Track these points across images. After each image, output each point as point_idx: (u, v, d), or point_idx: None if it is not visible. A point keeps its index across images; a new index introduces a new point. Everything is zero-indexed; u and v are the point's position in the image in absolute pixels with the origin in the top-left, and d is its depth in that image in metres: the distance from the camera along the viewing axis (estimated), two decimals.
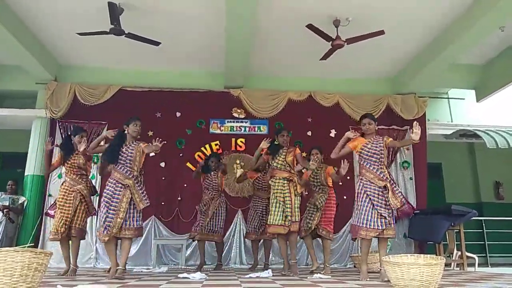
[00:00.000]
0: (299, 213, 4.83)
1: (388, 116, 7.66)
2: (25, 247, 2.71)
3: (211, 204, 5.83)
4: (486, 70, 7.63)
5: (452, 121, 8.25)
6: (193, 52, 7.01)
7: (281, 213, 4.73)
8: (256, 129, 7.55)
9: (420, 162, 7.58)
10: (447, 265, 6.25)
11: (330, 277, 4.40)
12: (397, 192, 4.17)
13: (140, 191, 4.27)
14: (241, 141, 7.42)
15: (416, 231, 6.92)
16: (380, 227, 4.04)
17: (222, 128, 7.49)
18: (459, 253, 6.45)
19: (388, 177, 4.19)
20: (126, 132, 4.46)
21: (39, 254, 2.63)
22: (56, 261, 6.15)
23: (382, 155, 4.24)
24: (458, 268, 6.48)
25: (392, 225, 4.14)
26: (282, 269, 5.05)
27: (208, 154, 6.97)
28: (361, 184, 4.23)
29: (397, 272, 2.93)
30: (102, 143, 4.63)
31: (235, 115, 7.54)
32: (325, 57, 6.25)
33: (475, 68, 7.70)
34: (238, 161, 7.30)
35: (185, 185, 7.02)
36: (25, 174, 6.97)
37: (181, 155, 7.22)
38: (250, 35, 5.96)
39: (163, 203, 6.95)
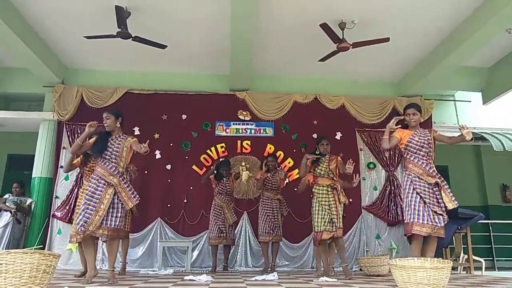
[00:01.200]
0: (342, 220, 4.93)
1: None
2: (33, 249, 2.74)
3: (227, 210, 6.03)
4: (493, 73, 7.60)
5: (458, 124, 8.20)
6: (199, 55, 7.04)
7: (328, 219, 4.79)
8: (261, 131, 7.56)
9: None
10: (453, 268, 6.21)
11: (336, 280, 4.39)
12: (448, 190, 3.86)
13: (128, 189, 4.00)
14: (246, 143, 7.43)
15: None
16: (438, 223, 3.74)
17: (227, 130, 7.51)
18: (466, 256, 6.41)
19: (437, 172, 3.88)
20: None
21: (47, 256, 2.66)
22: (63, 262, 6.18)
23: (431, 149, 3.95)
24: (465, 272, 6.44)
25: (443, 225, 3.83)
26: (315, 271, 5.09)
27: (215, 159, 7.04)
28: (409, 179, 3.90)
29: (404, 275, 2.92)
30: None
31: (241, 117, 7.55)
32: (325, 59, 6.21)
33: (482, 70, 7.67)
34: (243, 163, 7.31)
35: (191, 187, 7.04)
36: (33, 176, 7.02)
37: (187, 157, 7.24)
38: (255, 38, 5.99)
39: (169, 206, 6.97)
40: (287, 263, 6.88)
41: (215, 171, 6.20)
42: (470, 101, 8.25)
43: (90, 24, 5.95)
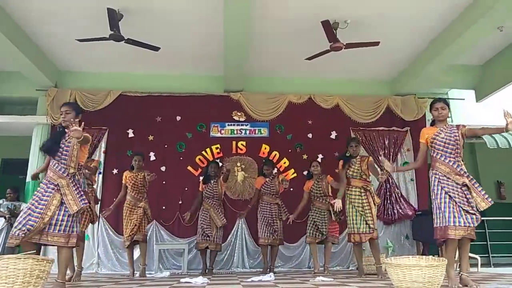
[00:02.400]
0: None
1: (388, 118, 7.68)
2: (27, 254, 2.72)
3: (214, 213, 5.97)
4: (485, 70, 7.64)
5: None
6: (193, 57, 7.03)
7: (362, 221, 4.81)
8: (256, 132, 7.56)
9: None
10: None
11: (332, 279, 4.40)
12: (479, 189, 3.63)
13: (76, 192, 3.59)
14: (241, 144, 7.43)
15: (419, 233, 6.92)
16: (471, 224, 3.49)
17: (222, 131, 7.50)
18: None
19: (466, 171, 3.67)
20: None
21: (41, 261, 2.64)
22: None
23: (459, 146, 3.71)
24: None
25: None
26: (357, 273, 5.09)
27: (211, 160, 7.00)
28: (436, 178, 3.67)
29: (399, 274, 2.92)
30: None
31: (236, 118, 7.55)
32: (312, 57, 6.18)
33: (474, 68, 7.72)
34: (239, 164, 7.31)
35: (186, 188, 7.03)
36: (27, 180, 6.98)
37: (181, 158, 7.23)
38: (249, 38, 5.98)
39: (164, 208, 6.95)
40: (283, 263, 6.87)
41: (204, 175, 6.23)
42: (464, 99, 8.29)
43: (83, 27, 5.92)
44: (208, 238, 5.92)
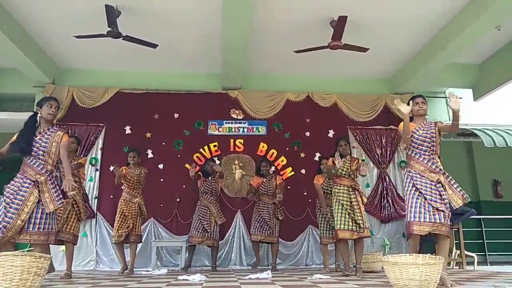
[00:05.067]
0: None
1: (386, 116, 7.69)
2: (24, 251, 2.72)
3: (214, 210, 6.02)
4: (483, 69, 7.66)
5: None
6: (191, 54, 7.02)
7: (349, 219, 4.81)
8: (254, 130, 7.56)
9: None
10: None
11: (329, 277, 4.41)
12: (455, 186, 3.59)
13: (53, 190, 3.54)
14: (239, 142, 7.43)
15: None
16: (438, 220, 3.43)
17: (220, 129, 7.50)
18: (458, 252, 6.47)
19: (442, 168, 3.63)
20: (39, 115, 3.73)
21: (38, 258, 2.64)
22: (56, 264, 6.13)
23: (434, 143, 3.64)
24: (458, 267, 6.50)
25: (448, 222, 3.51)
26: (343, 269, 5.05)
27: (208, 158, 7.03)
28: (409, 176, 3.65)
29: (396, 272, 2.93)
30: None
31: (234, 116, 7.55)
32: (302, 51, 6.09)
33: (472, 67, 7.73)
34: (236, 162, 7.31)
35: (184, 186, 7.02)
36: None
37: (179, 156, 7.22)
38: (247, 36, 5.97)
39: (161, 205, 6.95)
40: (280, 261, 6.88)
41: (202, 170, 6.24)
42: (461, 98, 8.23)
43: (80, 24, 5.90)
44: (206, 234, 5.93)
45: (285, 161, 7.35)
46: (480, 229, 8.39)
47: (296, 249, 6.98)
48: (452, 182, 3.60)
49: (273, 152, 7.37)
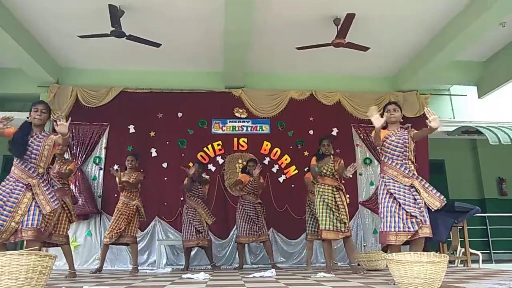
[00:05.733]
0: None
1: None
2: (29, 250, 2.73)
3: (202, 210, 6.05)
4: (488, 66, 7.61)
5: (454, 118, 8.23)
6: (194, 53, 7.02)
7: (334, 219, 4.80)
8: (258, 128, 7.55)
9: (422, 160, 7.52)
10: (451, 262, 6.25)
11: (333, 275, 4.40)
12: (430, 188, 3.61)
13: (47, 192, 3.57)
14: (243, 141, 7.43)
15: None
16: (412, 229, 3.43)
17: (224, 128, 7.50)
18: (463, 250, 6.45)
19: (415, 173, 3.65)
20: (29, 120, 3.77)
21: (43, 257, 2.65)
22: (60, 263, 6.17)
23: (407, 148, 3.67)
24: (462, 265, 6.48)
25: (425, 223, 3.49)
26: (324, 269, 5.03)
27: (212, 157, 7.16)
28: (383, 183, 3.67)
29: (401, 270, 2.92)
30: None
31: (237, 115, 7.55)
32: (304, 48, 6.07)
33: (477, 64, 7.68)
34: (240, 161, 7.31)
35: None
36: None
37: (183, 155, 7.23)
38: (250, 34, 5.97)
39: (165, 204, 6.97)
40: (284, 259, 6.89)
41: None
42: (466, 95, 8.27)
43: (84, 23, 5.92)
44: (199, 235, 5.94)
45: (288, 160, 7.35)
46: (485, 227, 8.35)
47: (300, 248, 6.98)
48: (426, 186, 3.62)
49: (276, 151, 7.37)
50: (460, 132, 8.20)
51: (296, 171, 7.28)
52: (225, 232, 6.87)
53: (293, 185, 6.92)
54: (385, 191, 3.61)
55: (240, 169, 7.22)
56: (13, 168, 3.61)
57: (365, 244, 7.07)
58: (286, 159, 7.36)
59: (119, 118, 7.26)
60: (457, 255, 6.53)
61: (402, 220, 3.45)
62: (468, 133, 8.20)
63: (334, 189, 4.93)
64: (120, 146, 7.11)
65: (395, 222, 3.46)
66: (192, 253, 6.65)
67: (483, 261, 6.84)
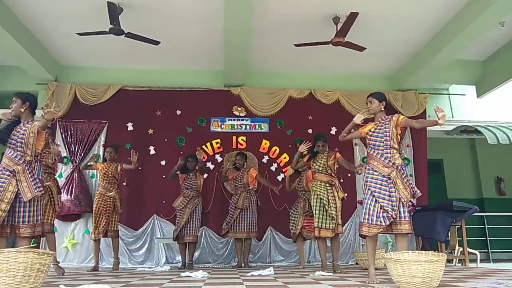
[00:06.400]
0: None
1: (388, 113, 7.60)
2: (27, 247, 2.72)
3: (188, 203, 6.01)
4: (487, 66, 7.62)
5: (452, 117, 8.23)
6: (193, 51, 7.01)
7: (327, 216, 4.82)
8: (257, 127, 7.55)
9: (420, 159, 7.57)
10: (449, 261, 6.26)
11: (331, 274, 4.41)
12: (406, 180, 3.62)
13: (31, 179, 3.59)
14: (242, 139, 7.42)
15: (418, 228, 6.92)
16: (384, 223, 3.52)
17: (223, 126, 7.50)
18: (461, 249, 6.46)
19: (396, 162, 3.64)
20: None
21: (41, 254, 2.65)
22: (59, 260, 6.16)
23: (388, 137, 3.70)
24: (460, 264, 6.49)
25: (404, 218, 3.54)
26: (320, 268, 5.03)
27: (211, 155, 7.15)
28: (365, 175, 3.75)
29: (399, 269, 2.93)
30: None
31: (236, 113, 7.54)
32: (302, 45, 6.07)
33: (476, 64, 7.69)
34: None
35: None
36: None
37: (181, 152, 7.20)
38: (249, 32, 5.96)
39: (164, 202, 6.95)
40: (283, 258, 6.89)
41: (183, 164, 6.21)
42: (464, 95, 8.28)
43: (83, 21, 5.89)
44: (190, 232, 5.94)
45: (287, 158, 7.34)
46: (483, 226, 8.37)
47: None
48: (403, 176, 3.64)
49: (275, 149, 7.37)
50: (459, 132, 8.21)
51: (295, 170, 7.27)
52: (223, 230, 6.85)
53: (291, 184, 6.91)
54: (366, 185, 3.70)
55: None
56: (3, 158, 3.68)
57: (363, 243, 7.06)
58: (284, 158, 7.35)
59: (117, 116, 7.24)
60: (455, 254, 6.54)
61: (376, 213, 3.56)
62: (467, 132, 8.22)
63: (328, 185, 4.94)
64: (119, 143, 7.08)
65: (369, 215, 3.59)
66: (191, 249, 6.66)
67: (481, 261, 6.86)
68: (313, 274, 4.39)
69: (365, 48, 6.06)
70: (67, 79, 7.39)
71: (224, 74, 7.36)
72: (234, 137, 7.42)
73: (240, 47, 6.26)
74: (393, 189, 3.58)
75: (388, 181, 3.61)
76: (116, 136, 7.16)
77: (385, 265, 3.56)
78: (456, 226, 6.48)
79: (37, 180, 3.64)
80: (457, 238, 6.58)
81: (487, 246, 8.15)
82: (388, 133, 3.73)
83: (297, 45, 6.09)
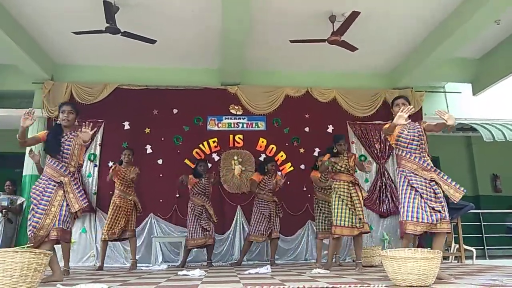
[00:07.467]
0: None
1: (385, 111, 7.66)
2: (24, 247, 2.72)
3: (209, 208, 5.99)
4: (482, 64, 7.65)
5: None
6: (189, 50, 7.00)
7: (350, 214, 4.81)
8: (253, 125, 7.56)
9: None
10: (445, 258, 6.30)
11: (328, 271, 4.42)
12: (449, 180, 3.57)
13: (77, 190, 3.74)
14: (239, 138, 7.43)
15: None
16: (435, 221, 3.41)
17: (219, 125, 7.50)
18: (457, 246, 6.49)
19: (433, 165, 3.62)
20: (58, 121, 3.96)
21: (38, 254, 2.64)
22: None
23: (423, 141, 3.66)
24: (456, 261, 6.53)
25: (445, 218, 3.48)
26: (324, 264, 5.06)
27: (208, 154, 7.17)
28: (402, 175, 3.62)
29: (394, 266, 2.94)
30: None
31: (233, 111, 7.54)
32: (297, 42, 6.06)
33: (472, 61, 7.72)
34: (236, 157, 7.31)
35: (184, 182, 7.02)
36: (23, 173, 6.96)
37: (178, 151, 7.22)
38: (246, 31, 5.95)
39: (161, 201, 6.95)
40: (279, 256, 6.90)
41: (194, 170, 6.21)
42: (460, 93, 8.30)
43: (79, 20, 5.88)
44: (207, 233, 5.92)
45: (284, 157, 7.36)
46: (479, 223, 8.41)
47: (295, 244, 7.00)
48: (445, 178, 3.58)
49: (272, 148, 7.38)
50: (455, 129, 8.24)
51: (292, 168, 7.30)
52: (221, 229, 6.86)
53: (288, 182, 6.91)
54: (406, 183, 3.57)
55: (235, 166, 7.23)
56: (45, 167, 3.78)
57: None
58: (282, 156, 7.37)
59: (114, 114, 7.23)
60: (451, 251, 6.58)
61: (425, 211, 3.43)
62: (463, 130, 8.25)
63: (350, 185, 4.94)
64: (115, 142, 7.08)
65: (417, 213, 3.43)
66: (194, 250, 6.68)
67: (477, 257, 6.90)
68: (310, 271, 4.40)
69: (357, 49, 6.07)
70: (63, 78, 7.37)
71: (220, 72, 7.36)
72: (231, 136, 7.42)
73: (237, 45, 6.26)
74: (438, 190, 3.51)
75: (431, 183, 3.54)
76: (112, 136, 7.15)
77: (381, 262, 3.58)
78: (452, 223, 6.51)
79: (83, 192, 3.81)
80: (453, 235, 6.62)
81: (483, 243, 8.19)
82: (422, 136, 3.68)
83: (292, 41, 6.08)
